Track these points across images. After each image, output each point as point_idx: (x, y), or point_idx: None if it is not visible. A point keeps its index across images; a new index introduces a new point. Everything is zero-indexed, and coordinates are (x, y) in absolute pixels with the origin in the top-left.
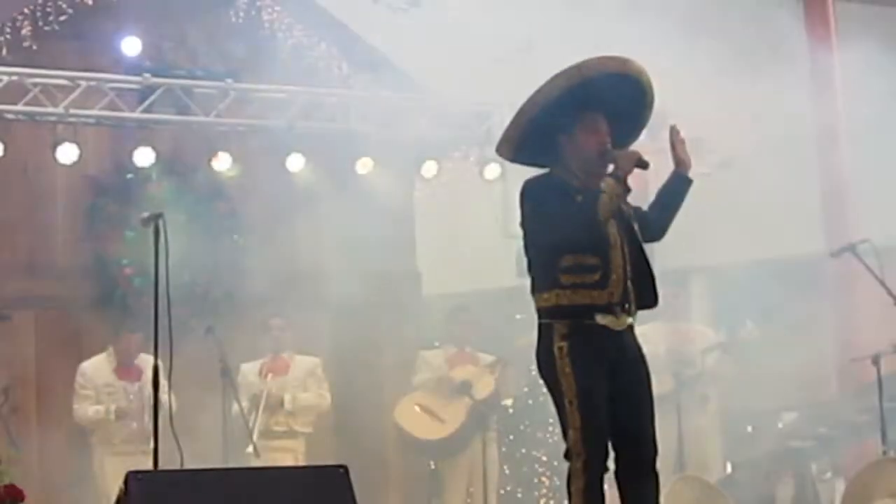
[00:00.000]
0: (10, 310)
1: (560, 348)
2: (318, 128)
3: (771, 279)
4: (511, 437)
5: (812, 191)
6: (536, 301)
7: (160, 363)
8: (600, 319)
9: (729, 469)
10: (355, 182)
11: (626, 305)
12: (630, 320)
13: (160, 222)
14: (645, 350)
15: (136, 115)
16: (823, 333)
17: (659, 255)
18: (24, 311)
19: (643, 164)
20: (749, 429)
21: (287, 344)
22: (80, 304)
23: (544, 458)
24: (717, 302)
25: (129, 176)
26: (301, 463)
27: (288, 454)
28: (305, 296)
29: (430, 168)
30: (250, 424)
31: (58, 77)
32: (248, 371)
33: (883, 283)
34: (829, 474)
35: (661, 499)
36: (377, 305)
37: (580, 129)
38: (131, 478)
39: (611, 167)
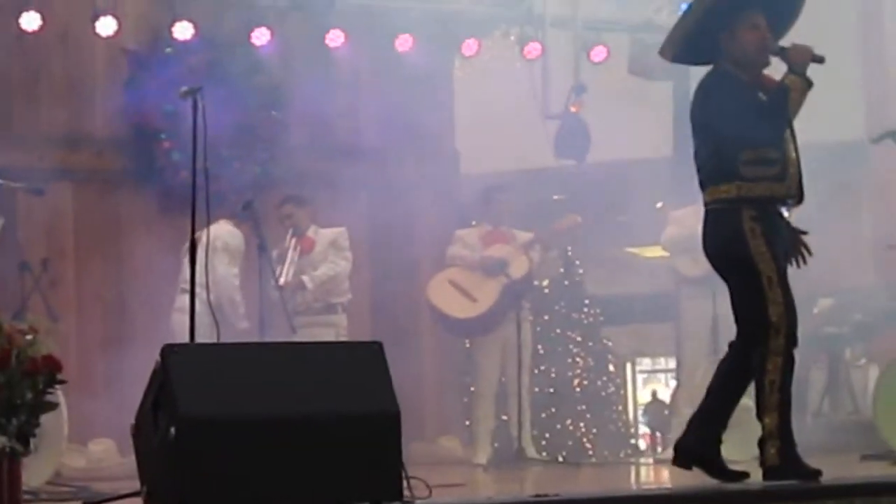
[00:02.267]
0: (48, 182)
1: (752, 229)
2: (358, 4)
3: (810, 163)
4: (546, 317)
5: (855, 76)
6: (712, 192)
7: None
8: (780, 207)
9: None
10: (395, 59)
11: (797, 199)
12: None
13: (199, 96)
14: (682, 232)
15: None
16: (861, 220)
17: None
18: (62, 184)
19: (819, 59)
20: None
21: (304, 224)
22: (119, 178)
23: (579, 339)
24: None
25: (168, 50)
26: (344, 339)
27: (330, 329)
28: (343, 173)
29: (470, 46)
30: (277, 273)
31: None
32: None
33: None
34: (862, 360)
35: (696, 381)
36: (415, 184)
37: (741, 27)
38: (167, 350)
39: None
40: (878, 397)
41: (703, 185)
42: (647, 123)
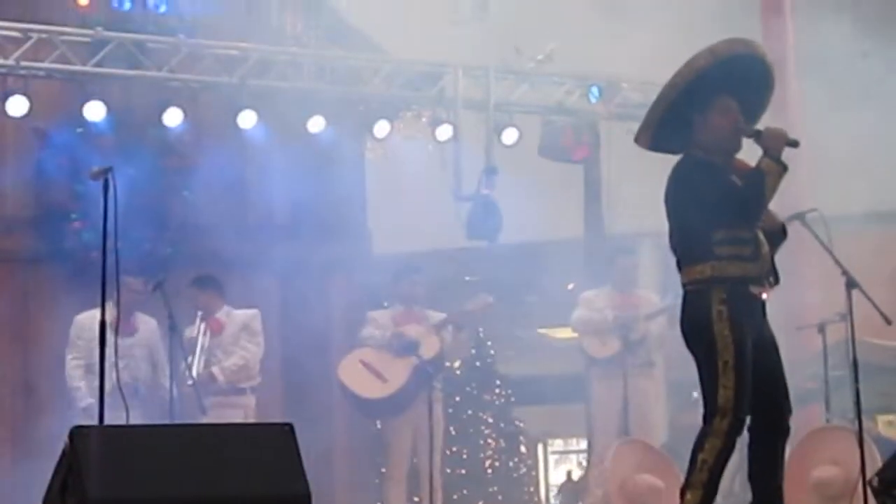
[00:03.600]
0: None
1: (719, 311)
2: (270, 86)
3: None
4: (458, 398)
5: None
6: (687, 273)
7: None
8: (753, 289)
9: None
10: (307, 140)
11: (771, 279)
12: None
13: (110, 177)
14: (591, 315)
15: (88, 68)
16: (770, 301)
17: (609, 219)
18: None
19: (793, 143)
20: (694, 394)
21: (213, 306)
22: (28, 258)
23: (490, 420)
24: (666, 267)
25: (80, 130)
26: (252, 419)
27: (238, 410)
28: (255, 253)
29: (382, 128)
30: (192, 373)
31: (9, 28)
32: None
33: (830, 252)
34: None
35: (606, 462)
36: (327, 263)
37: (713, 111)
38: (76, 433)
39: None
40: (787, 477)
41: (679, 266)
42: (557, 205)
